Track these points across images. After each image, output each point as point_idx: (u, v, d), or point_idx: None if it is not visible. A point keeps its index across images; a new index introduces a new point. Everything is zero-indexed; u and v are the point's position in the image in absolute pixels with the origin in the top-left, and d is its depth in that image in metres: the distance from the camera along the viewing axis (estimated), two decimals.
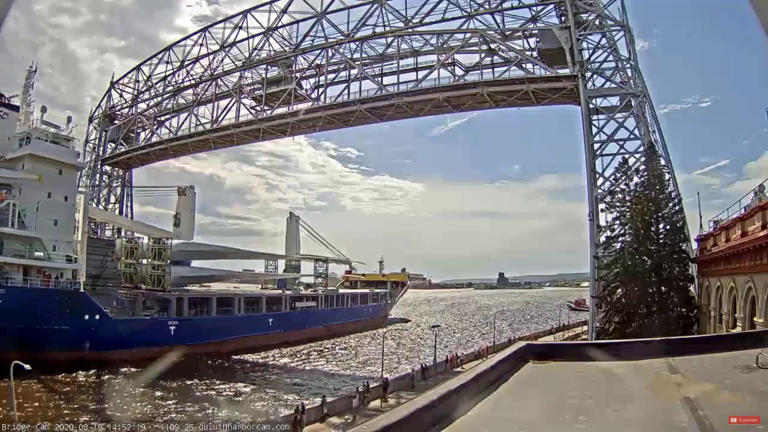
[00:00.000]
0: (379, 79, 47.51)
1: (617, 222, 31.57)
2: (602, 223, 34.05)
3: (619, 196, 32.44)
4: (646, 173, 30.98)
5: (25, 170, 39.13)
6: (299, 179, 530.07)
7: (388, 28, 46.68)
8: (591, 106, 38.14)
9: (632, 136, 37.10)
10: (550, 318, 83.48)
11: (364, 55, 48.02)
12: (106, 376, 32.53)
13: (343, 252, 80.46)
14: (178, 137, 55.53)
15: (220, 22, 56.60)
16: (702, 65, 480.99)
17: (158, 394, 28.70)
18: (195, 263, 53.41)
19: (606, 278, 31.13)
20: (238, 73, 53.09)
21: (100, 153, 61.52)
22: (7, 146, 40.18)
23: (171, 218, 57.79)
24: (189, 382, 31.92)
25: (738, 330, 18.07)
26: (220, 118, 53.35)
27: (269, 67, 51.61)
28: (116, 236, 57.04)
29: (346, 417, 23.92)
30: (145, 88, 60.29)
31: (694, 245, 29.17)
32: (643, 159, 33.36)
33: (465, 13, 43.89)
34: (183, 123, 55.76)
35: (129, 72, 62.82)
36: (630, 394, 6.15)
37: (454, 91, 43.22)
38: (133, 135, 60.73)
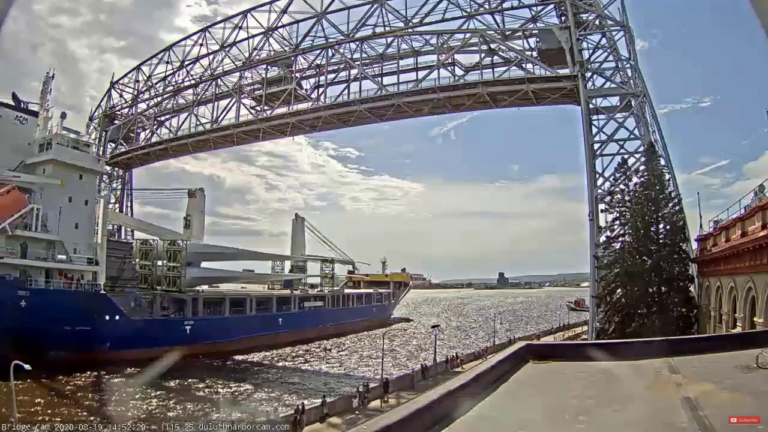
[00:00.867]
0: (379, 79, 47.53)
1: (617, 222, 31.52)
2: (602, 223, 34.01)
3: (619, 196, 32.40)
4: (646, 173, 30.91)
5: (47, 175, 40.46)
6: (299, 179, 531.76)
7: (388, 28, 46.71)
8: (591, 106, 38.14)
9: (632, 136, 37.12)
10: (550, 318, 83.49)
11: (364, 55, 48.04)
12: (108, 376, 32.55)
13: (343, 252, 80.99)
14: (178, 137, 55.56)
15: (220, 22, 56.86)
16: (702, 65, 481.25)
17: (159, 393, 28.76)
18: (203, 264, 53.95)
19: (606, 278, 31.11)
20: (238, 73, 53.14)
21: (100, 153, 61.48)
22: (27, 151, 41.35)
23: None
24: (190, 382, 31.97)
25: (738, 330, 18.05)
26: (220, 118, 53.43)
27: (269, 67, 51.64)
28: (124, 238, 57.30)
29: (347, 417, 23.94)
30: (145, 88, 60.33)
31: (694, 245, 29.10)
32: (643, 159, 33.31)
33: (465, 13, 43.92)
34: (183, 123, 55.92)
35: (129, 72, 62.96)
36: (630, 394, 6.14)
37: (454, 91, 43.19)
38: (133, 135, 60.78)
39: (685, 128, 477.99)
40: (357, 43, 47.85)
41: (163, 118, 59.06)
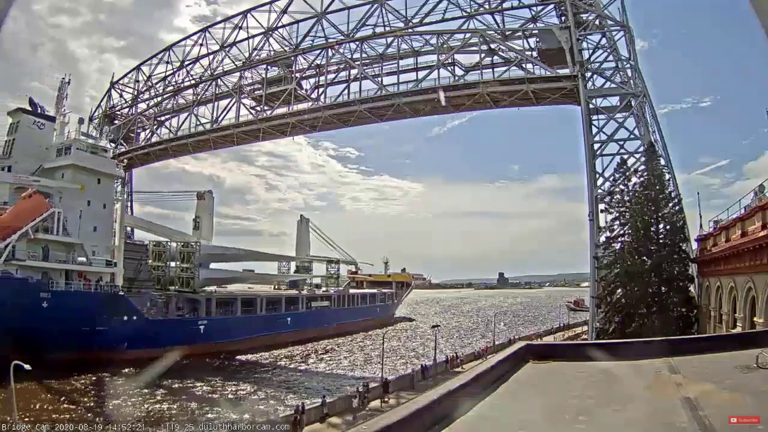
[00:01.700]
0: (379, 79, 47.46)
1: (617, 222, 31.50)
2: (602, 223, 34.00)
3: (619, 196, 32.39)
4: (645, 173, 30.92)
5: (66, 179, 41.38)
6: (299, 179, 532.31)
7: (388, 28, 46.70)
8: (591, 106, 38.15)
9: (632, 136, 37.14)
10: (550, 318, 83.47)
11: (364, 55, 48.02)
12: (109, 376, 32.55)
13: (347, 252, 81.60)
14: (178, 137, 55.56)
15: (220, 22, 56.84)
16: (702, 65, 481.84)
17: (160, 393, 28.84)
18: (211, 265, 54.31)
19: (606, 278, 31.10)
20: (238, 73, 53.13)
21: None
22: (44, 156, 42.12)
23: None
24: (190, 382, 31.98)
25: (738, 330, 18.05)
26: (220, 118, 53.43)
27: (269, 67, 51.62)
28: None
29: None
30: (145, 88, 60.29)
31: (694, 245, 29.10)
32: (642, 159, 33.33)
33: (465, 13, 43.91)
34: (183, 123, 55.93)
35: (129, 72, 62.87)
36: (630, 394, 6.14)
37: (454, 91, 43.17)
38: (133, 135, 60.71)
39: (685, 128, 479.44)
40: (357, 43, 47.84)
41: (163, 118, 59.04)
